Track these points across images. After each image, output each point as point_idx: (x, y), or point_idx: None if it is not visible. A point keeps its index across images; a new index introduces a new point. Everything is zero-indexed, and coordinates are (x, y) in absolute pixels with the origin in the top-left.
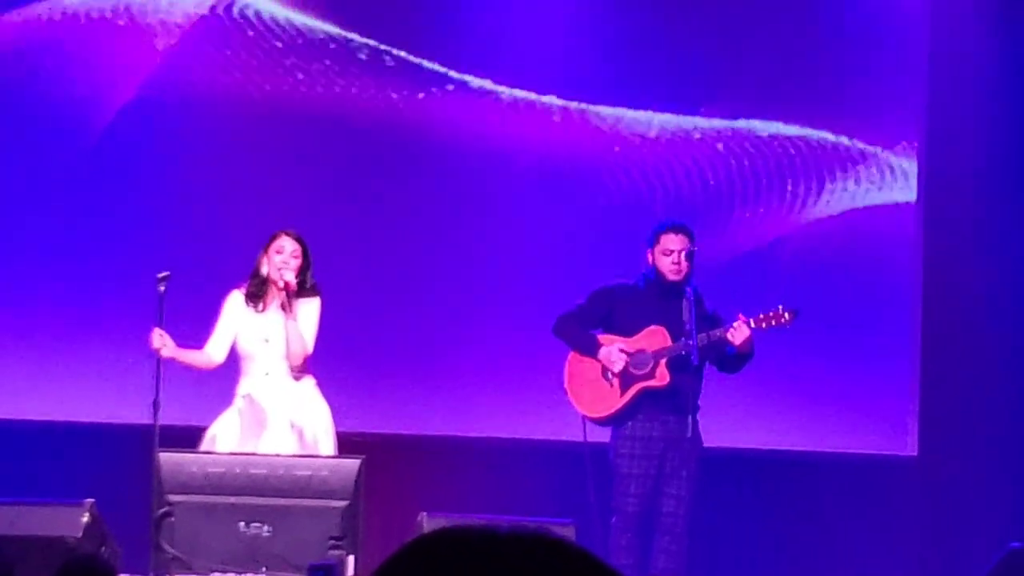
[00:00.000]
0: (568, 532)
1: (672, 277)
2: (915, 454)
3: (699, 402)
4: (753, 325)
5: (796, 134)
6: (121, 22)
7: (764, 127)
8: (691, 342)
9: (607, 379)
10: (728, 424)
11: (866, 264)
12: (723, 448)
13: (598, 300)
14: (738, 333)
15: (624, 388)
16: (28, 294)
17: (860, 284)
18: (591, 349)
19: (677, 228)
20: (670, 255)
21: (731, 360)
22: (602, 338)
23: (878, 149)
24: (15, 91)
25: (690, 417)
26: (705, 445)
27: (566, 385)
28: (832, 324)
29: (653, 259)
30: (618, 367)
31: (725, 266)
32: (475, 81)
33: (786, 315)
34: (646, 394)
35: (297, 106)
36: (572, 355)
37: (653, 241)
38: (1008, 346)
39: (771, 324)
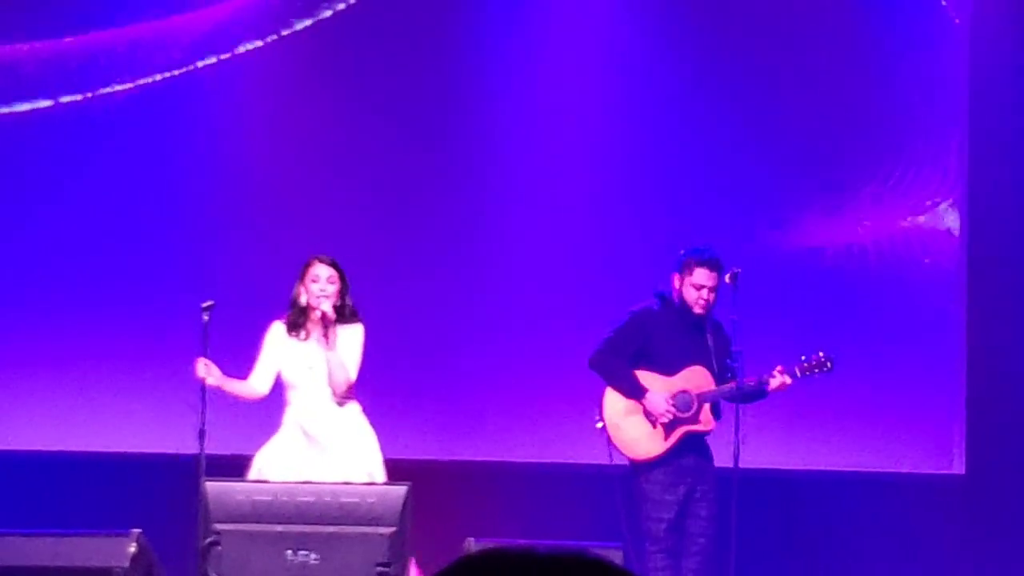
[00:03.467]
0: (616, 556)
1: (698, 311)
2: (963, 473)
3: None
4: (799, 374)
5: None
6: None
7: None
8: (737, 383)
9: (650, 419)
10: (772, 445)
11: (912, 281)
12: (768, 469)
13: (631, 332)
14: (775, 383)
15: (668, 431)
16: (73, 325)
17: (906, 301)
18: (635, 392)
19: (712, 264)
20: (700, 290)
21: (747, 400)
22: (644, 379)
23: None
24: (51, 119)
25: (708, 445)
26: (748, 466)
27: (607, 423)
28: (877, 342)
29: (681, 286)
30: (664, 419)
31: (762, 283)
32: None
33: (828, 363)
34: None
35: (323, 128)
36: (610, 391)
37: (684, 269)
38: None
39: (813, 373)
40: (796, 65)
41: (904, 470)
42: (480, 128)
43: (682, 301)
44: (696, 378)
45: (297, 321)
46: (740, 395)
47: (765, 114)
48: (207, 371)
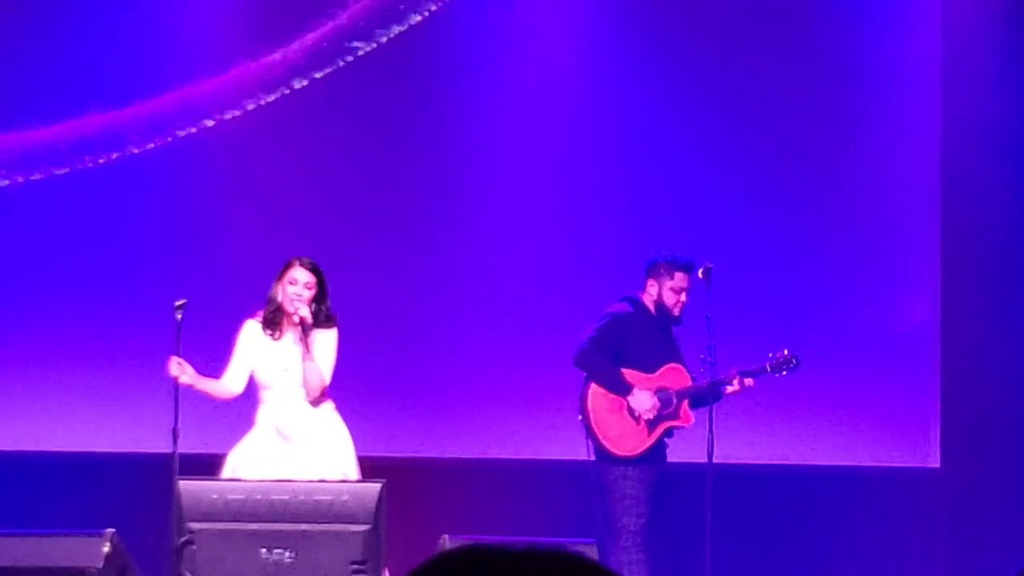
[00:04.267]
0: (591, 551)
1: (677, 313)
2: (938, 466)
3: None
4: (769, 370)
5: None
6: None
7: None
8: (715, 379)
9: (633, 417)
10: (748, 439)
11: (886, 276)
12: (742, 464)
13: (611, 331)
14: (730, 389)
15: (651, 427)
16: (45, 324)
17: (880, 296)
18: (621, 389)
19: (690, 267)
20: (680, 293)
21: (707, 401)
22: (629, 377)
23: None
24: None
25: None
26: (725, 460)
27: (591, 420)
28: (852, 336)
29: (659, 291)
30: (649, 416)
31: (737, 272)
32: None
33: (794, 361)
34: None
35: (302, 124)
36: (594, 388)
37: (663, 274)
38: None
39: (779, 372)
40: (766, 62)
41: (880, 464)
42: (455, 126)
43: (660, 306)
44: (675, 376)
45: (273, 319)
46: (709, 393)
47: (737, 111)
48: (180, 369)
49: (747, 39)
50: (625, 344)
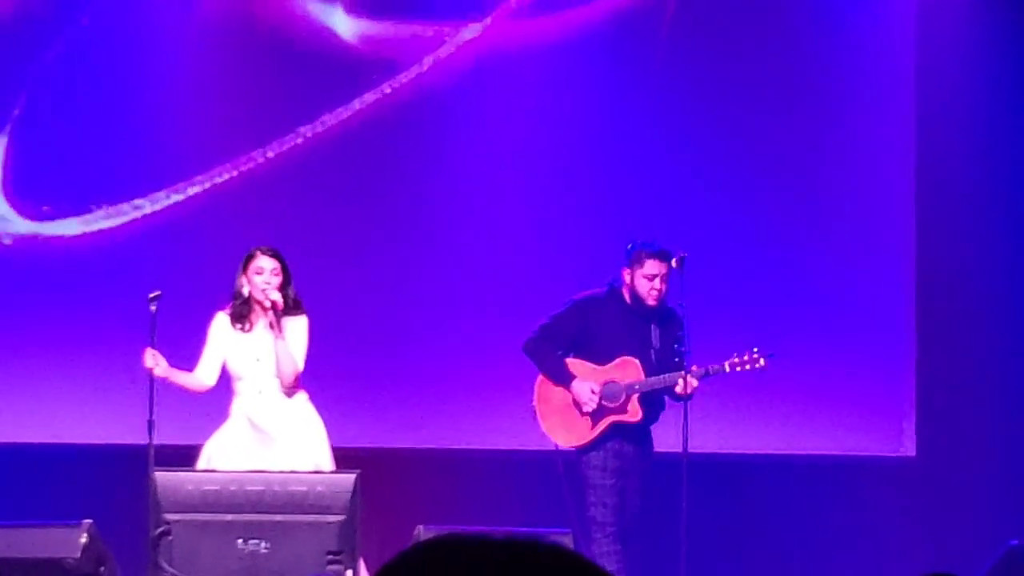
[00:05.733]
0: (566, 541)
1: (651, 303)
2: (913, 455)
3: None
4: (728, 369)
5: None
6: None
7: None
8: (685, 370)
9: (578, 408)
10: (723, 429)
11: (861, 265)
12: (718, 453)
13: (571, 316)
14: (679, 389)
15: (595, 420)
16: (19, 316)
17: (855, 285)
18: (563, 379)
19: (661, 254)
20: (652, 280)
21: (671, 398)
22: (573, 366)
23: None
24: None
25: (650, 435)
26: (700, 450)
27: (536, 408)
28: (827, 326)
29: (632, 279)
30: (589, 408)
31: (717, 261)
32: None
33: (761, 360)
34: (616, 425)
35: (279, 114)
36: (541, 377)
37: (634, 262)
38: (1006, 345)
39: (744, 369)
40: (743, 57)
41: (856, 453)
42: (426, 117)
43: (634, 294)
44: (626, 369)
45: (241, 312)
46: (665, 389)
47: (715, 106)
48: (154, 361)
49: (726, 36)
50: (586, 332)
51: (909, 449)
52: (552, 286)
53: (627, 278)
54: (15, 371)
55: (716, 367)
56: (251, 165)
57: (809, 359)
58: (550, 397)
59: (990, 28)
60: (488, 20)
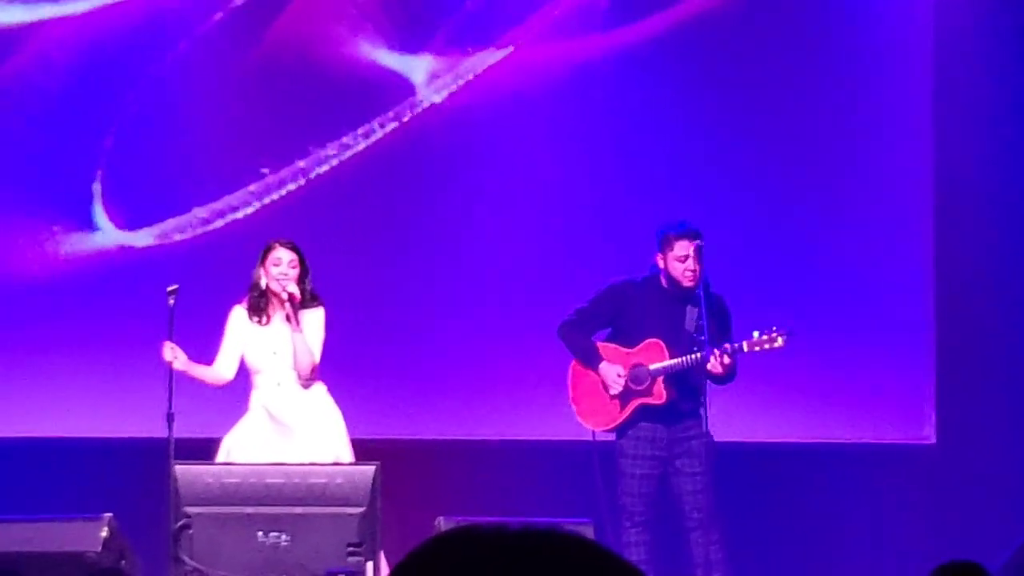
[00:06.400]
0: (587, 531)
1: (688, 283)
2: (933, 442)
3: (706, 399)
4: (746, 349)
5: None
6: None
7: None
8: (703, 352)
9: (607, 392)
10: (744, 417)
11: (881, 251)
12: (739, 442)
13: (606, 300)
14: (710, 366)
15: (623, 403)
16: (38, 311)
17: (875, 271)
18: (592, 361)
19: (689, 233)
20: (684, 261)
21: (712, 381)
22: (603, 349)
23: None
24: (25, 96)
25: (694, 417)
26: (721, 439)
27: (569, 393)
28: (848, 313)
29: (666, 263)
30: (615, 390)
31: (738, 250)
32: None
33: (779, 339)
34: (644, 407)
35: (295, 113)
36: (575, 362)
37: (665, 246)
38: None
39: (763, 348)
40: (761, 53)
41: (876, 440)
42: (443, 112)
43: (670, 279)
44: (651, 351)
45: (258, 305)
46: (689, 369)
47: (735, 101)
48: (173, 354)
49: (743, 33)
50: (621, 315)
51: (929, 436)
52: (573, 277)
53: (661, 264)
54: (36, 366)
55: (735, 346)
56: (265, 152)
57: (829, 348)
58: (581, 381)
59: (1009, 24)
60: (511, 48)
